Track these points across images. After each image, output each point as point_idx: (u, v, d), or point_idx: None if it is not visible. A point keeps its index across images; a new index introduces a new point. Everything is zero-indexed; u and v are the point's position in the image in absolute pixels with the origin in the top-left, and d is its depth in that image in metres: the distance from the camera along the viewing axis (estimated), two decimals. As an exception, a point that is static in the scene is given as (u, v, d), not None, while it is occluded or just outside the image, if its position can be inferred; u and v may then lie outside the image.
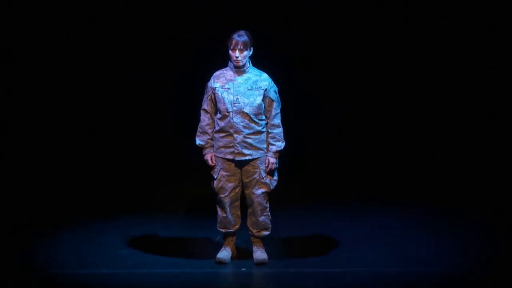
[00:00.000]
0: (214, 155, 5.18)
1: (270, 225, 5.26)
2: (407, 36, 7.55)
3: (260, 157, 5.15)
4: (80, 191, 7.12)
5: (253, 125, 5.09)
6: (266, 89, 5.11)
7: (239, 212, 5.25)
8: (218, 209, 5.25)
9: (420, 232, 6.03)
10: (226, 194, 5.16)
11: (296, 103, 7.23)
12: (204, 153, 5.21)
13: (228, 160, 5.13)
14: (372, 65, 7.71)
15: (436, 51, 7.59)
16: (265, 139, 5.15)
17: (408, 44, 7.58)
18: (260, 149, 5.13)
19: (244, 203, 5.24)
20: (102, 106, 7.69)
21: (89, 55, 7.48)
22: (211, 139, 5.18)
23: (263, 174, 5.15)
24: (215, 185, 5.20)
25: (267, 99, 5.13)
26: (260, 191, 5.16)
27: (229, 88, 5.10)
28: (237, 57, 5.02)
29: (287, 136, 5.21)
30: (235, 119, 5.06)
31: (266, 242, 5.32)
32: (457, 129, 7.70)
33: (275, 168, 5.20)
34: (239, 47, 5.01)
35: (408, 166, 7.81)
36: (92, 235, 5.88)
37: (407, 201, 6.98)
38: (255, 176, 5.15)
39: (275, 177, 5.22)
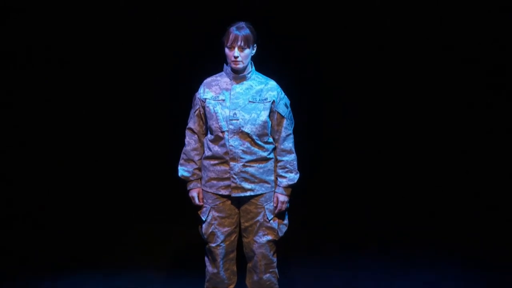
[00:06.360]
0: (203, 190, 4.50)
1: (276, 285, 4.61)
2: (415, 36, 7.28)
3: (265, 193, 4.46)
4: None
5: (256, 149, 4.39)
6: (273, 101, 4.40)
7: (234, 267, 4.65)
8: (207, 263, 4.61)
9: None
10: (218, 243, 4.51)
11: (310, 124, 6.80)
12: (188, 188, 4.53)
13: (222, 196, 4.46)
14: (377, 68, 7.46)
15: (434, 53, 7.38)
16: (272, 169, 4.47)
17: (409, 44, 7.35)
18: (265, 182, 4.44)
19: (242, 254, 4.61)
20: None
21: (85, 59, 7.37)
22: (199, 168, 4.50)
23: (270, 216, 4.47)
24: (203, 231, 4.53)
25: (276, 115, 4.43)
26: (265, 239, 4.48)
27: (224, 100, 4.38)
28: (236, 57, 4.34)
29: (300, 163, 4.52)
30: (231, 142, 4.36)
31: (271, 308, 4.65)
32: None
33: (286, 209, 4.50)
34: (239, 43, 4.31)
35: (462, 206, 7.07)
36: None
37: (461, 252, 6.17)
38: (259, 218, 4.47)
39: (286, 221, 4.54)
